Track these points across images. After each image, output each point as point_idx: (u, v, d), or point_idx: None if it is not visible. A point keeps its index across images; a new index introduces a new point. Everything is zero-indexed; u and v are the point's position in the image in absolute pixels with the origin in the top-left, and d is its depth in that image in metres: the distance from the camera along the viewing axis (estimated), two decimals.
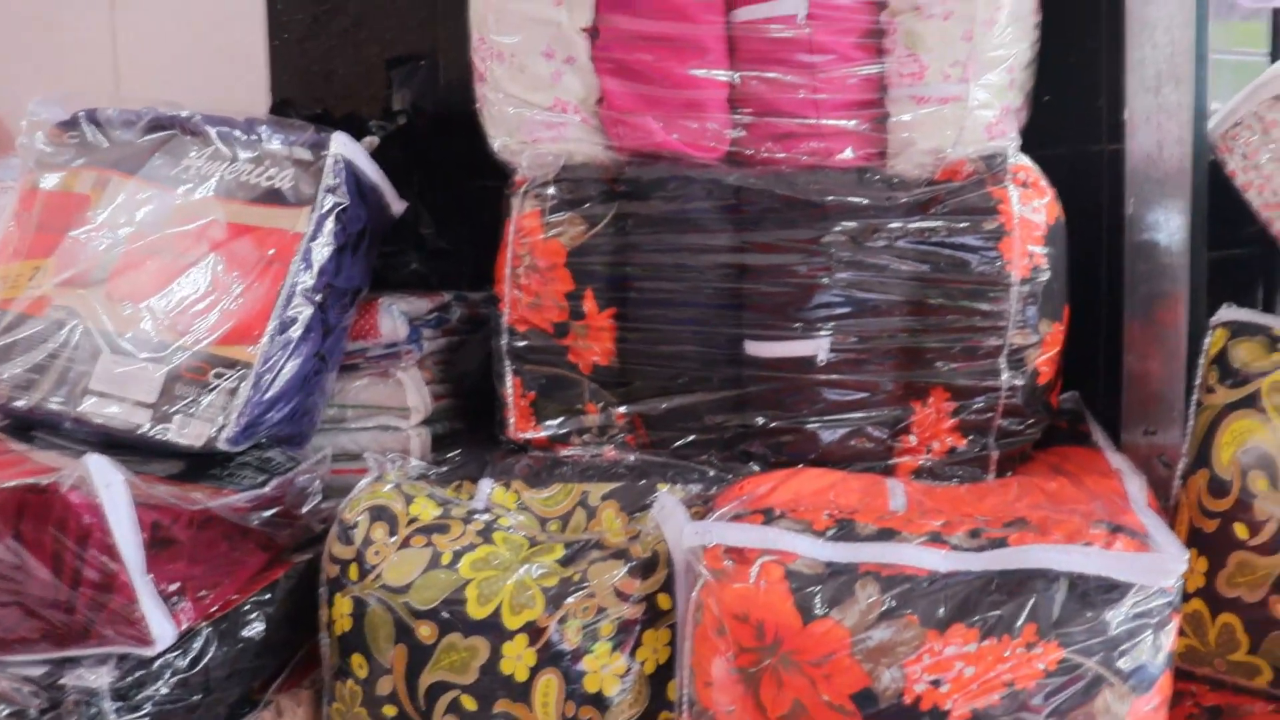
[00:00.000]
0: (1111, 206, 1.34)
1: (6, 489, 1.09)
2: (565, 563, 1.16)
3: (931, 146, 1.20)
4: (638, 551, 1.13)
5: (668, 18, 1.22)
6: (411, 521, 1.20)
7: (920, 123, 1.20)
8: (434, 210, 1.59)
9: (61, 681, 1.10)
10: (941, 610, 0.96)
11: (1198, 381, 1.21)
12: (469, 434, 1.51)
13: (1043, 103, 1.33)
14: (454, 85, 1.69)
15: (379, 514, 1.20)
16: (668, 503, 1.15)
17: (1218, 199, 1.27)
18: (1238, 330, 1.20)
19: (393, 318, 1.40)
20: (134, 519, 1.09)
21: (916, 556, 1.00)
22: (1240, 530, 1.11)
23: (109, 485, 1.08)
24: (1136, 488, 1.13)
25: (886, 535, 1.03)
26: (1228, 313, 1.21)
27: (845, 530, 1.04)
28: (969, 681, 0.95)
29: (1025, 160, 1.22)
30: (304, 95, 1.81)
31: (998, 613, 0.95)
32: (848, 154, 1.21)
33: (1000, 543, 1.00)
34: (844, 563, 1.01)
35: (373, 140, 1.57)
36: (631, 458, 1.28)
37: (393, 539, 1.19)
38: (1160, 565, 0.95)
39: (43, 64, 2.04)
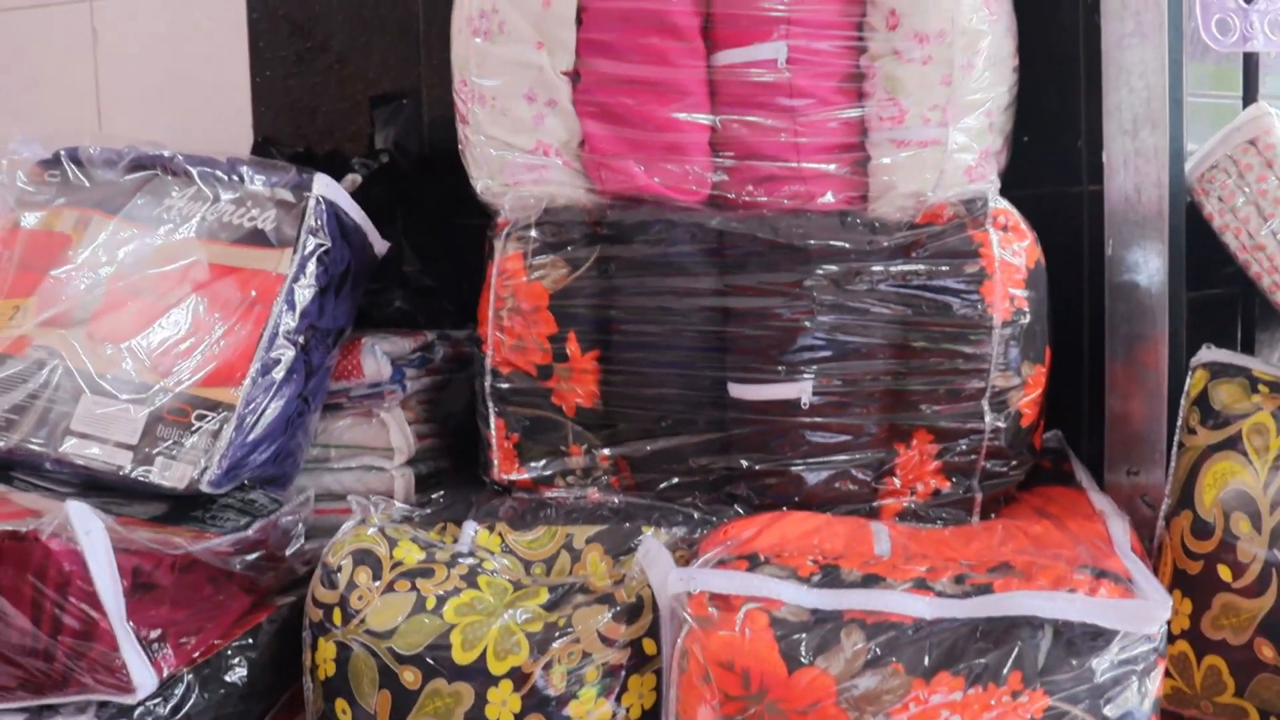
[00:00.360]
0: (1092, 247, 1.35)
1: None
2: (550, 607, 1.15)
3: (912, 190, 1.21)
4: (623, 596, 1.13)
5: (649, 62, 1.23)
6: (395, 565, 1.19)
7: (900, 166, 1.21)
8: (418, 247, 1.59)
9: None
10: (927, 658, 0.96)
11: (1179, 422, 1.22)
12: (453, 473, 1.51)
13: (1022, 143, 1.34)
14: (438, 122, 1.70)
15: (363, 558, 1.20)
16: (652, 547, 1.15)
17: (1196, 238, 1.28)
18: (1218, 371, 1.21)
19: (376, 358, 1.40)
20: (114, 566, 1.08)
21: (901, 603, 1.00)
22: (1224, 572, 1.12)
23: (89, 532, 1.07)
24: (1120, 530, 1.14)
25: (871, 581, 1.03)
26: (1208, 354, 1.22)
27: (830, 576, 1.04)
28: None
29: (1005, 204, 1.23)
30: (287, 132, 1.82)
31: (983, 660, 0.95)
32: (829, 197, 1.22)
33: (985, 589, 1.01)
34: (829, 610, 1.01)
35: (355, 178, 1.58)
36: (616, 500, 1.28)
37: (376, 583, 1.18)
38: (1145, 612, 0.95)
39: (25, 97, 2.04)
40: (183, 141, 1.80)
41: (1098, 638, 0.96)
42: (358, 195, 1.50)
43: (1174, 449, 1.22)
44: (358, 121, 1.77)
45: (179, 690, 1.14)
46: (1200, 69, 1.34)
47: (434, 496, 1.35)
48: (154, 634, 1.12)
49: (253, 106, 1.86)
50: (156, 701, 1.12)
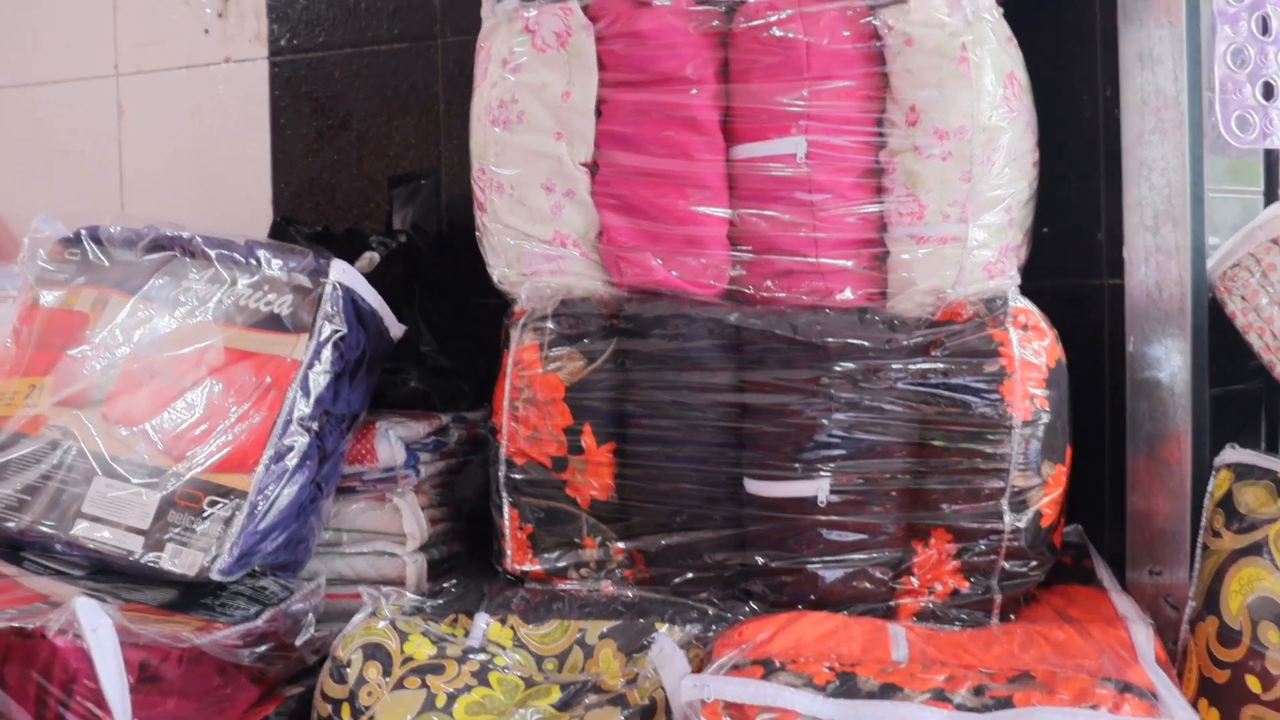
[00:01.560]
0: (1113, 340, 1.34)
1: None
2: (562, 707, 1.13)
3: (932, 286, 1.20)
4: (635, 698, 1.11)
5: (668, 155, 1.23)
6: (406, 661, 1.18)
7: (920, 262, 1.20)
8: (434, 327, 1.59)
9: None
10: None
11: (1203, 523, 1.20)
12: (466, 558, 1.50)
13: (1042, 234, 1.34)
14: (456, 202, 1.71)
15: (373, 652, 1.18)
16: (666, 646, 1.13)
17: (1219, 332, 1.27)
18: (1243, 473, 1.19)
19: (390, 443, 1.39)
20: (121, 664, 1.07)
21: (920, 716, 0.98)
22: (1253, 683, 1.09)
23: (96, 629, 1.06)
24: (1144, 638, 1.11)
25: (889, 692, 1.01)
26: (1232, 454, 1.20)
27: (847, 685, 1.02)
28: None
29: (1026, 303, 1.22)
30: (307, 208, 1.83)
31: None
32: (848, 293, 1.21)
33: (1006, 702, 0.98)
34: None
35: (373, 257, 1.58)
36: (630, 594, 1.26)
37: (386, 679, 1.16)
38: None
39: (51, 168, 2.06)
40: (204, 215, 1.83)
41: None
42: (375, 274, 1.50)
43: (1198, 550, 1.20)
44: (376, 199, 1.78)
45: None
46: (1220, 163, 1.34)
47: (446, 585, 1.34)
48: None
49: (273, 182, 1.87)
50: None
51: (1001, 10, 1.24)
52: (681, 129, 1.22)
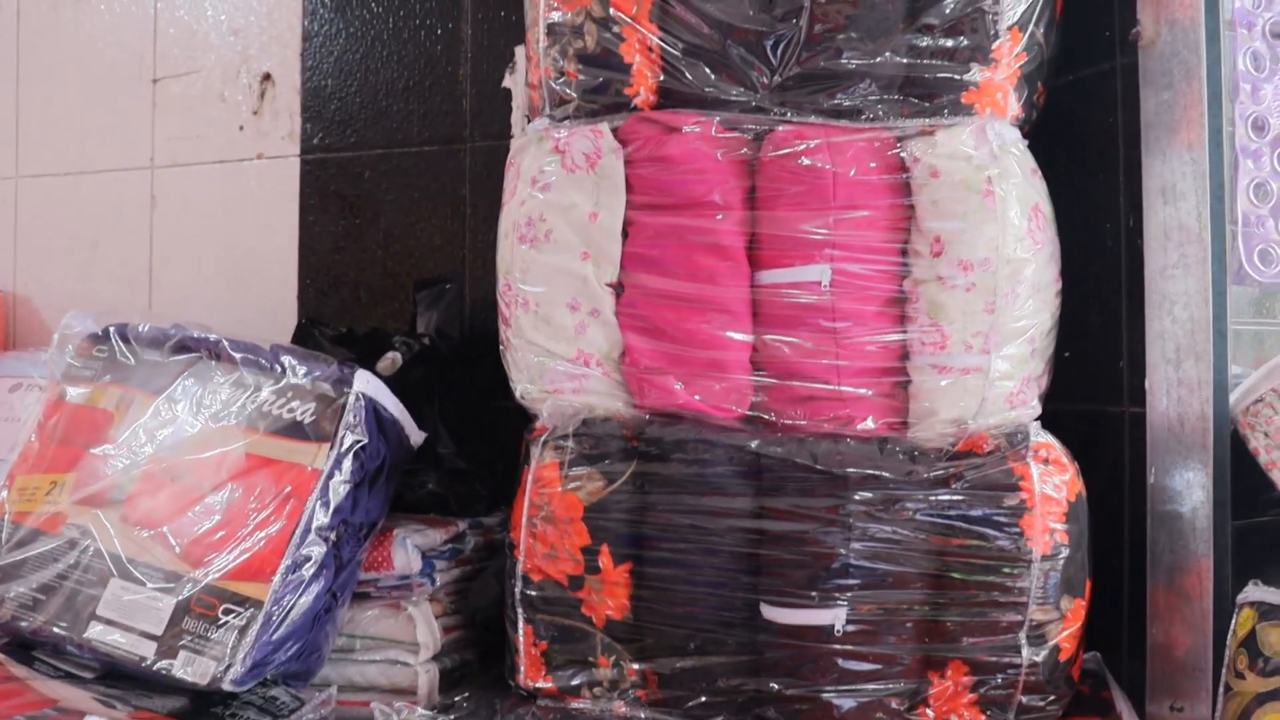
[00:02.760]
0: (1133, 467, 1.33)
1: None
2: None
3: (953, 416, 1.20)
4: None
5: (693, 279, 1.24)
6: None
7: (942, 392, 1.20)
8: (453, 430, 1.60)
9: None
10: None
11: (1226, 662, 1.19)
12: (479, 666, 1.49)
13: (1064, 359, 1.34)
14: (479, 304, 1.73)
15: None
16: None
17: (1241, 463, 1.27)
18: (1267, 612, 1.17)
19: (406, 551, 1.39)
20: None
21: None
22: None
23: None
24: None
25: None
26: (1255, 591, 1.19)
27: None
28: None
29: (1048, 437, 1.22)
30: (331, 303, 1.85)
31: None
32: (869, 422, 1.22)
33: None
34: None
35: (396, 358, 1.60)
36: (643, 715, 1.25)
37: None
38: None
39: (84, 255, 2.09)
40: (230, 307, 1.85)
41: None
42: (396, 375, 1.52)
43: (1220, 690, 1.18)
44: (400, 298, 1.80)
45: None
46: (1243, 294, 1.34)
47: (457, 699, 1.33)
48: None
49: (299, 277, 1.89)
50: None
51: (1026, 143, 1.26)
52: (707, 254, 1.23)
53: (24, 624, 1.34)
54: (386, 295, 1.83)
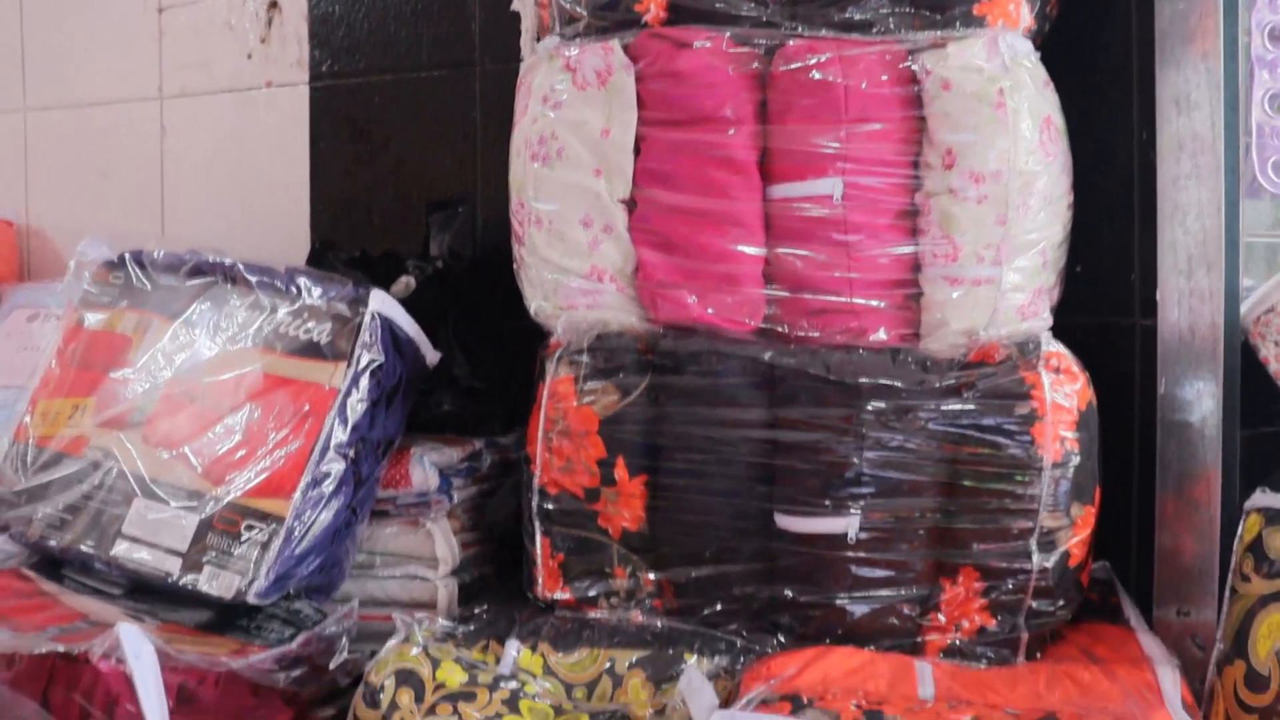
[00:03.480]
0: (1144, 380, 1.34)
1: (38, 655, 1.09)
2: None
3: (965, 327, 1.21)
4: None
5: (706, 193, 1.24)
6: (438, 688, 1.19)
7: (954, 303, 1.21)
8: (467, 350, 1.61)
9: None
10: None
11: (1232, 567, 1.20)
12: (497, 581, 1.51)
13: (1075, 273, 1.34)
14: (492, 227, 1.73)
15: (405, 678, 1.20)
16: (694, 678, 1.14)
17: (1251, 375, 1.27)
18: (1273, 518, 1.19)
19: (424, 468, 1.41)
20: (161, 688, 1.09)
21: None
22: None
23: (139, 656, 1.08)
24: (1170, 681, 1.12)
25: None
26: (1263, 498, 1.20)
27: None
28: None
29: (1059, 346, 1.23)
30: (343, 229, 1.85)
31: None
32: (881, 334, 1.22)
33: None
34: None
35: (409, 282, 1.60)
36: (659, 624, 1.27)
37: (419, 705, 1.18)
38: None
39: (95, 187, 2.10)
40: (243, 235, 1.86)
41: None
42: (410, 298, 1.52)
43: (1226, 593, 1.20)
44: (412, 222, 1.80)
45: None
46: (1255, 206, 1.34)
47: (477, 610, 1.35)
48: None
49: (311, 204, 1.90)
50: None
51: (1039, 55, 1.25)
52: (719, 168, 1.24)
53: (52, 543, 1.37)
54: (399, 219, 1.83)
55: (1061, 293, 1.31)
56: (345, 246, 1.68)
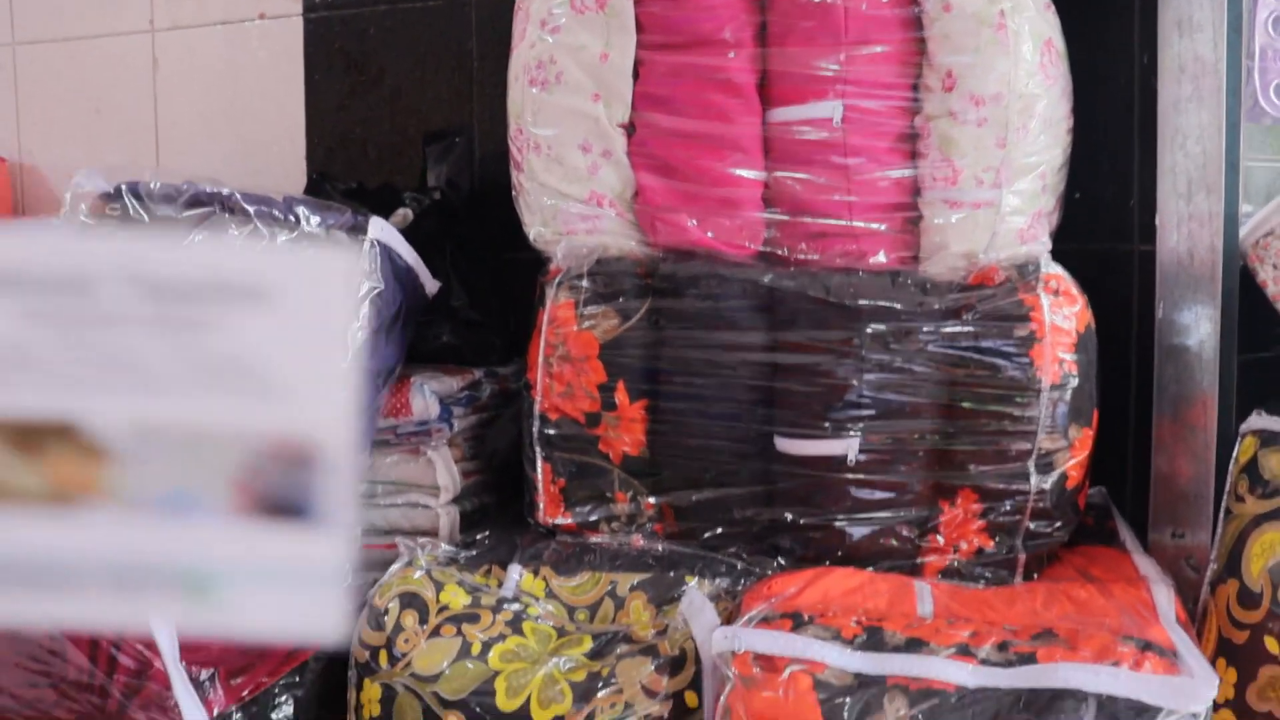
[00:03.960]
0: (1142, 306, 1.35)
1: None
2: (593, 656, 1.17)
3: (964, 250, 1.21)
4: (666, 649, 1.14)
5: (705, 116, 1.24)
6: (441, 610, 1.21)
7: (953, 227, 1.21)
8: (466, 282, 1.61)
9: None
10: None
11: (1227, 488, 1.22)
12: (497, 510, 1.53)
13: (1074, 199, 1.34)
14: (489, 158, 1.72)
15: (409, 601, 1.21)
16: (696, 599, 1.16)
17: (1248, 300, 1.28)
18: (1269, 439, 1.20)
19: (424, 397, 1.42)
20: None
21: (944, 670, 1.01)
22: (1271, 644, 1.11)
23: None
24: (1164, 598, 1.14)
25: (915, 646, 1.04)
26: (1258, 420, 1.22)
27: (873, 639, 1.05)
28: None
29: (1058, 269, 1.23)
30: (340, 164, 1.84)
31: None
32: (880, 257, 1.23)
33: (1029, 658, 1.01)
34: (872, 674, 1.01)
35: (407, 214, 1.60)
36: (660, 547, 1.29)
37: (423, 627, 1.20)
38: (1191, 690, 0.95)
39: (87, 124, 2.08)
40: (238, 170, 1.85)
41: (1142, 713, 0.96)
42: (408, 230, 1.52)
43: (1221, 514, 1.22)
44: (409, 155, 1.79)
45: None
46: (1256, 130, 1.34)
47: (479, 536, 1.37)
48: (205, 674, 1.14)
49: (306, 138, 1.88)
50: None
51: None
52: (718, 91, 1.23)
53: None
54: (395, 152, 1.82)
55: (1060, 218, 1.31)
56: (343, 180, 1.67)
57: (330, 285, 0.24)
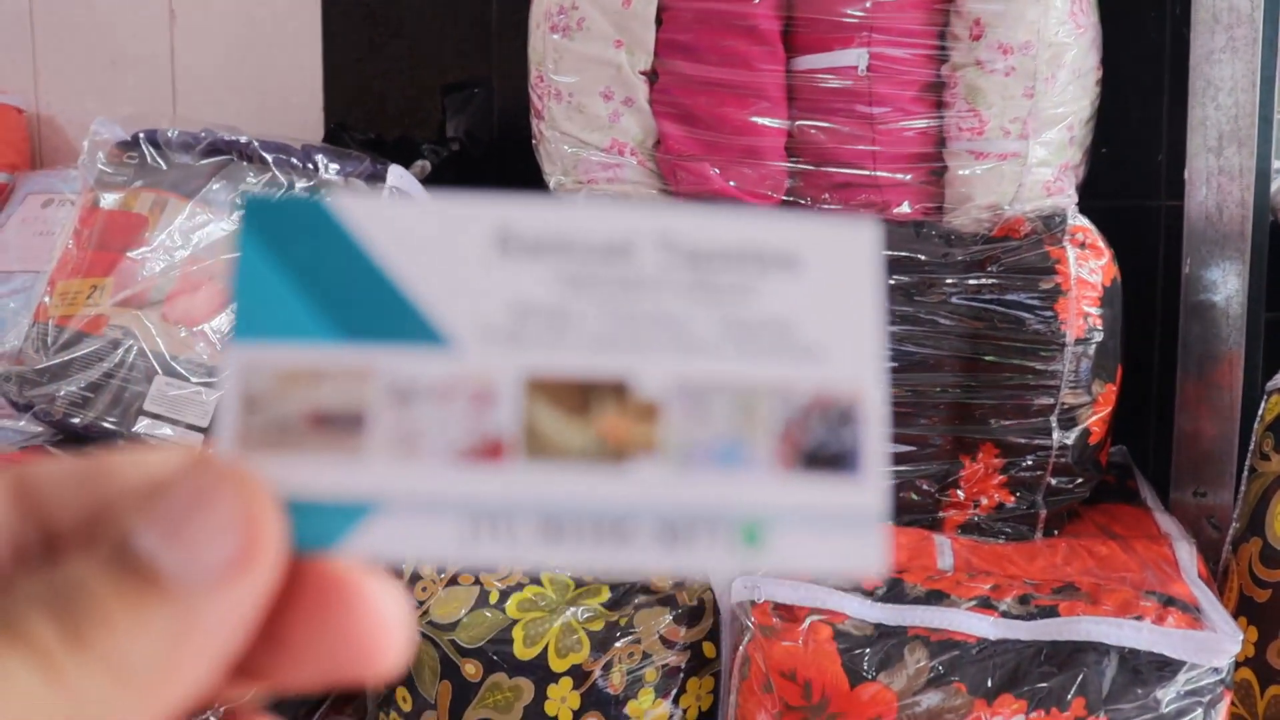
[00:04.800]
0: (1168, 262, 1.33)
1: None
2: (611, 606, 1.16)
3: (989, 202, 1.20)
4: (684, 599, 1.14)
5: (728, 64, 1.22)
6: None
7: (979, 178, 1.20)
8: None
9: None
10: (990, 679, 0.96)
11: (1251, 447, 1.21)
12: None
13: (1100, 154, 1.33)
14: (508, 111, 1.70)
15: None
16: None
17: (1276, 256, 1.26)
18: None
19: None
20: None
21: (966, 622, 1.00)
22: None
23: None
24: (1187, 555, 1.13)
25: (935, 598, 1.03)
26: None
27: (894, 590, 1.04)
28: None
29: (1084, 221, 1.22)
30: (358, 116, 1.83)
31: (1047, 685, 0.95)
32: (904, 207, 1.21)
33: (1051, 611, 1.00)
34: (893, 625, 1.01)
35: (425, 165, 1.59)
36: None
37: (441, 575, 1.20)
38: (1214, 644, 0.95)
39: (102, 76, 2.07)
40: (256, 122, 1.83)
41: (1164, 667, 0.95)
42: (427, 181, 1.51)
43: (1245, 473, 1.21)
44: (427, 107, 1.78)
45: None
46: None
47: None
48: None
49: (324, 91, 1.87)
50: None
51: None
52: (742, 38, 1.21)
53: (75, 420, 1.38)
54: (413, 105, 1.81)
55: (1087, 172, 1.29)
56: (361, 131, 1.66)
57: (858, 252, 0.26)
